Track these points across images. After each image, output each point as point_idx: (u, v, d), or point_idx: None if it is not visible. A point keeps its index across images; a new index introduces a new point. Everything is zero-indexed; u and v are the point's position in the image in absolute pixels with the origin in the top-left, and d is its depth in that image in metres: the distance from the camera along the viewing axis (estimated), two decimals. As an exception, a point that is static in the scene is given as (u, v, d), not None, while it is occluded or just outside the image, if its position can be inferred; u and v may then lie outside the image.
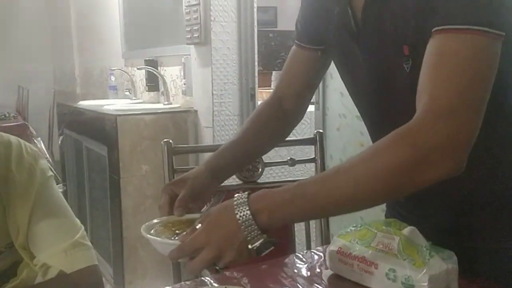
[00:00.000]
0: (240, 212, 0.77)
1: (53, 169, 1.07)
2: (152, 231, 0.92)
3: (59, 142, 3.64)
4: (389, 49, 0.89)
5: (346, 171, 0.78)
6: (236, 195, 0.80)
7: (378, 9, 0.88)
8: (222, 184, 1.38)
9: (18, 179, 0.97)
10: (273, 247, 0.81)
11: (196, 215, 0.94)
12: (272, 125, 1.14)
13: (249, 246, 0.78)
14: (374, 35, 0.91)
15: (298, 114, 1.17)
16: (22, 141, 1.02)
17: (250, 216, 0.76)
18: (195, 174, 1.06)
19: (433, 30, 0.77)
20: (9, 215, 0.97)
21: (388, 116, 0.97)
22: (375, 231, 1.05)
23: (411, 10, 0.82)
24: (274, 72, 7.76)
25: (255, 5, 2.65)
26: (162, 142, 1.24)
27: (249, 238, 0.77)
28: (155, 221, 0.96)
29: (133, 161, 2.64)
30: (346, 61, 1.02)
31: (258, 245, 0.78)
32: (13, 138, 0.96)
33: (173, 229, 0.93)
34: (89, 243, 1.05)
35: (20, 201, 0.97)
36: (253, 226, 0.77)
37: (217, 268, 0.80)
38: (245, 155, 1.14)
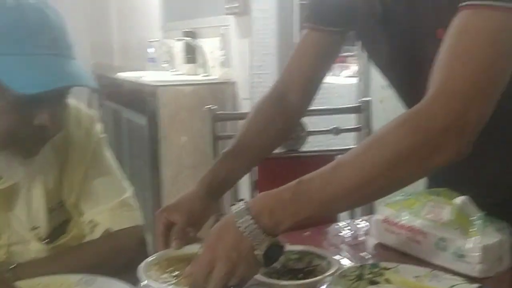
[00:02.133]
0: (240, 219, 0.72)
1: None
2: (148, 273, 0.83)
3: (99, 114, 3.70)
4: (421, 33, 0.84)
5: (351, 160, 0.73)
6: (232, 206, 0.75)
7: None
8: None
9: (76, 139, 1.01)
10: (283, 254, 0.77)
11: (196, 248, 0.83)
12: (274, 123, 1.06)
13: (257, 252, 0.72)
14: (404, 19, 0.85)
15: (302, 109, 1.09)
16: (79, 103, 1.05)
17: (252, 221, 0.72)
18: (190, 197, 1.00)
19: (458, 6, 0.71)
20: (66, 173, 1.00)
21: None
22: (425, 200, 1.02)
23: None
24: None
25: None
26: (204, 108, 1.23)
27: (255, 243, 0.72)
28: (150, 259, 0.88)
29: (172, 131, 2.66)
30: (373, 44, 0.97)
31: (266, 249, 0.72)
32: (71, 101, 0.97)
33: (170, 269, 0.85)
34: (136, 204, 1.07)
35: (77, 160, 1.01)
36: (256, 230, 0.72)
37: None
38: (243, 165, 1.06)
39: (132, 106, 3.00)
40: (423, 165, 0.71)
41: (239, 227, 0.72)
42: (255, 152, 1.06)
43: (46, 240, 0.98)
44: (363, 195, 0.75)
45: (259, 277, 0.82)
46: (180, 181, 2.70)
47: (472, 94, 0.68)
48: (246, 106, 2.68)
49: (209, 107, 1.23)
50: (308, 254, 0.93)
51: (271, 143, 1.09)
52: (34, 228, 0.98)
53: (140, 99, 2.81)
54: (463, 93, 0.68)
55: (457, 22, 0.71)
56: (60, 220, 1.02)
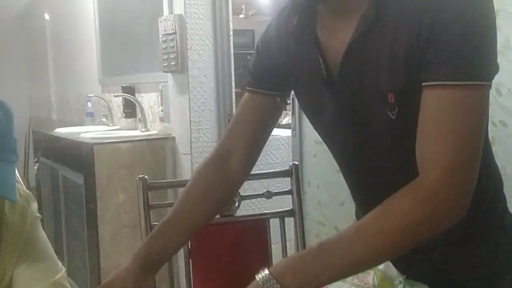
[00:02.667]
0: (266, 284, 0.77)
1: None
2: None
3: (35, 170, 3.59)
4: (370, 97, 0.88)
5: (367, 228, 0.80)
6: (256, 275, 0.80)
7: (359, 59, 0.86)
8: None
9: (10, 220, 0.98)
10: None
11: None
12: (215, 189, 1.04)
13: None
14: (353, 84, 0.89)
15: (244, 175, 1.08)
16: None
17: (277, 285, 0.76)
18: (123, 275, 0.96)
19: (426, 84, 0.79)
20: (1, 256, 0.97)
21: (369, 166, 0.97)
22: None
23: (400, 60, 0.81)
24: (252, 94, 7.85)
25: (231, 32, 2.68)
26: (137, 178, 1.24)
27: None
28: None
29: (110, 189, 2.62)
30: (317, 108, 0.99)
31: None
32: None
33: None
34: (68, 285, 1.05)
35: (12, 243, 0.98)
36: None
37: None
38: (182, 236, 1.04)
39: (69, 163, 2.94)
40: (431, 230, 0.80)
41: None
42: (195, 220, 1.04)
43: None
44: (381, 258, 0.84)
45: None
46: (119, 240, 2.64)
47: (467, 162, 0.78)
48: (186, 161, 2.69)
49: (142, 177, 1.24)
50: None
51: (212, 210, 1.07)
52: None
53: (77, 156, 2.76)
54: (459, 164, 0.78)
55: (434, 99, 0.79)
56: None
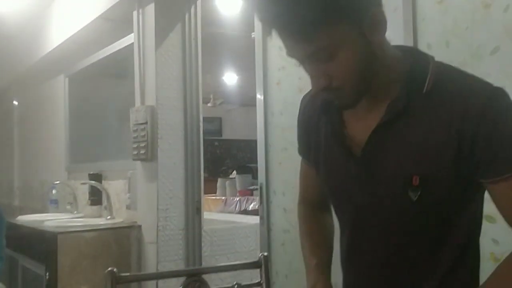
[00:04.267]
0: None
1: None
2: None
3: None
4: (392, 179, 0.94)
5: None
6: None
7: (384, 142, 0.94)
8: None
9: None
10: None
11: None
12: (322, 219, 1.22)
13: None
14: (375, 165, 0.96)
15: (328, 205, 1.22)
16: None
17: None
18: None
19: (491, 180, 0.89)
20: None
21: (380, 242, 1.01)
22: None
23: (433, 149, 0.89)
24: (219, 179, 7.86)
25: (201, 121, 2.77)
26: (105, 272, 1.22)
27: None
28: None
29: (72, 281, 2.52)
30: (336, 180, 1.06)
31: None
32: None
33: None
34: None
35: None
36: None
37: None
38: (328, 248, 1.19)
39: (30, 253, 2.84)
40: None
41: None
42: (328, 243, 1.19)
43: None
44: None
45: None
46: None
47: None
48: (151, 250, 2.64)
49: (111, 270, 1.22)
50: None
51: (331, 234, 1.21)
52: None
53: (39, 246, 2.67)
54: None
55: (504, 192, 0.89)
56: None
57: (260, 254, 1.37)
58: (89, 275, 2.54)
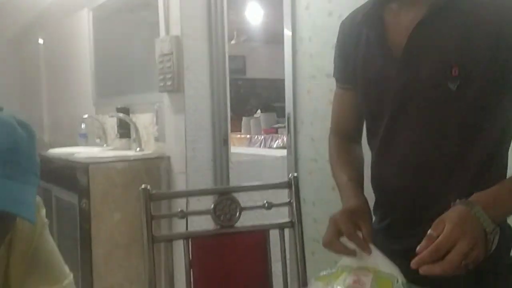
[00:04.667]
0: (472, 209, 0.87)
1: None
2: None
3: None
4: (433, 70, 0.99)
5: None
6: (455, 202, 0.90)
7: (425, 38, 0.99)
8: (198, 229, 1.39)
9: (20, 228, 0.98)
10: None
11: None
12: (353, 149, 1.24)
13: (489, 237, 0.86)
14: (417, 59, 1.00)
15: (359, 137, 1.26)
16: None
17: (483, 211, 0.87)
18: (361, 203, 1.08)
19: None
20: (11, 266, 0.98)
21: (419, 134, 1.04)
22: (350, 270, 1.07)
23: (473, 42, 0.94)
24: (244, 118, 7.88)
25: (226, 55, 2.73)
26: (140, 189, 1.25)
27: (488, 229, 0.86)
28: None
29: (104, 209, 2.61)
30: (375, 85, 1.09)
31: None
32: None
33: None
34: None
35: (21, 251, 0.98)
36: (488, 219, 0.86)
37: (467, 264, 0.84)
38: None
39: (63, 183, 2.92)
40: None
41: (475, 214, 0.86)
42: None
43: None
44: None
45: None
46: (113, 260, 2.62)
47: None
48: (181, 180, 2.69)
49: (145, 187, 1.25)
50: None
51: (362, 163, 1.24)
52: None
53: (71, 176, 2.75)
54: None
55: None
56: None
57: (290, 175, 1.38)
58: (121, 204, 2.61)
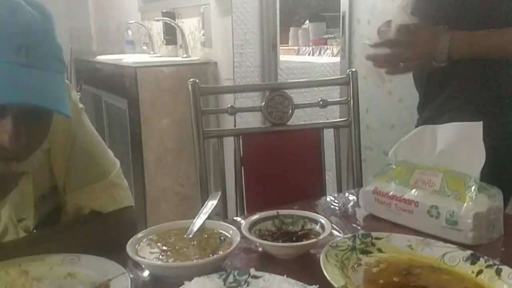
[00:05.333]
0: None
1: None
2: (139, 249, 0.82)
3: (78, 98, 3.61)
4: None
5: None
6: None
7: None
8: (249, 127, 1.33)
9: (55, 119, 0.88)
10: None
11: (187, 224, 0.88)
12: None
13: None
14: None
15: None
16: None
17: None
18: None
19: None
20: (52, 157, 0.93)
21: None
22: (413, 168, 1.00)
23: None
24: (291, 29, 7.59)
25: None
26: (189, 82, 1.19)
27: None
28: (140, 235, 0.85)
29: (153, 114, 2.61)
30: None
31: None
32: None
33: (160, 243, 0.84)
34: (124, 182, 1.00)
35: (60, 142, 0.92)
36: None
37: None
38: None
39: (112, 89, 2.93)
40: None
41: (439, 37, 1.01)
42: None
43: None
44: None
45: (254, 238, 0.84)
46: (163, 166, 2.66)
47: None
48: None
49: (193, 80, 1.19)
50: (302, 218, 0.92)
51: None
52: (20, 220, 0.93)
53: (120, 81, 2.74)
54: None
55: None
56: (48, 209, 0.97)
57: (348, 71, 1.28)
58: (169, 109, 2.60)
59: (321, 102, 1.26)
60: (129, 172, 2.80)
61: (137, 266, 0.82)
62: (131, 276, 0.76)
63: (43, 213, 0.97)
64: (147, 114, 2.59)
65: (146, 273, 0.82)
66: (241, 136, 1.23)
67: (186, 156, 2.65)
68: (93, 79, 3.31)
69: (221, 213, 1.28)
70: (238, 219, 1.04)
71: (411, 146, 1.04)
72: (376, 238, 0.87)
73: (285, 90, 1.23)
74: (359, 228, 1.00)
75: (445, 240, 0.86)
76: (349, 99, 1.27)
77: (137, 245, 0.84)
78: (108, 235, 0.91)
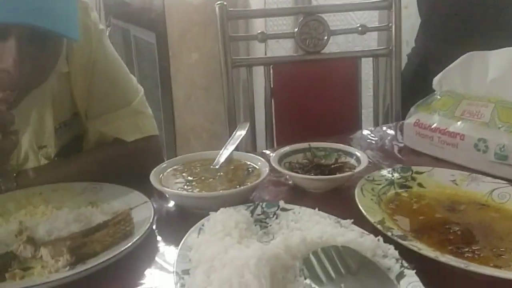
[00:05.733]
0: None
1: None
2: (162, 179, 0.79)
3: (107, 33, 3.56)
4: None
5: None
6: None
7: None
8: (279, 55, 1.25)
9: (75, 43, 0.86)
10: None
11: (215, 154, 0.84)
12: None
13: None
14: None
15: None
16: None
17: None
18: None
19: None
20: (73, 82, 0.88)
21: None
22: (459, 99, 0.92)
23: None
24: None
25: None
26: (216, 5, 1.11)
27: None
28: (164, 164, 0.82)
29: (182, 48, 2.53)
30: None
31: None
32: None
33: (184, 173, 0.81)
34: (148, 111, 0.96)
35: (79, 65, 0.88)
36: None
37: None
38: None
39: (140, 23, 2.85)
40: None
41: None
42: None
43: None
44: None
45: (284, 171, 0.79)
46: (192, 102, 2.61)
47: None
48: (259, 20, 2.51)
49: (221, 3, 1.10)
50: (336, 151, 0.86)
51: None
52: (41, 147, 0.90)
53: (148, 15, 2.66)
54: None
55: None
56: (70, 137, 0.94)
57: (390, -7, 1.17)
58: (199, 43, 2.52)
59: (359, 28, 1.15)
60: (159, 108, 2.77)
61: (162, 197, 0.78)
62: (155, 206, 0.72)
63: (64, 141, 0.93)
64: (176, 48, 2.51)
65: (170, 204, 0.78)
66: (271, 66, 1.15)
67: (215, 94, 2.58)
68: (121, 13, 3.22)
69: (249, 148, 1.23)
70: (267, 152, 0.99)
71: (458, 74, 0.95)
72: (417, 172, 0.80)
73: (320, 15, 1.13)
74: (398, 162, 0.93)
75: (494, 176, 0.78)
76: (390, 24, 1.16)
77: (161, 175, 0.80)
78: (131, 164, 0.88)
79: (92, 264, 0.57)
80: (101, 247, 0.61)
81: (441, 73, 0.98)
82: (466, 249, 0.60)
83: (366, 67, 1.23)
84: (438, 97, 0.95)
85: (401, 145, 1.00)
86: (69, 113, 0.92)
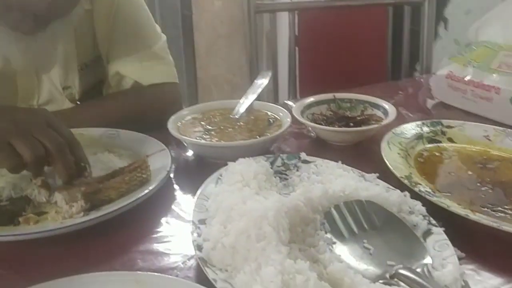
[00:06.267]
0: None
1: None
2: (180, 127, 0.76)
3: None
4: None
5: None
6: None
7: None
8: (306, 0, 1.19)
9: None
10: None
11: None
12: None
13: None
14: None
15: None
16: None
17: None
18: None
19: None
20: (96, 23, 0.87)
21: None
22: (497, 50, 0.86)
23: None
24: None
25: None
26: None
27: None
28: (184, 112, 0.80)
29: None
30: None
31: None
32: None
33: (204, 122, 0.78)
34: (169, 57, 0.94)
35: (100, 11, 0.86)
36: None
37: None
38: None
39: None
40: None
41: None
42: None
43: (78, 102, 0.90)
44: None
45: (306, 122, 0.76)
46: (215, 51, 2.56)
47: None
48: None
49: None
50: (362, 103, 0.82)
51: None
52: (66, 88, 0.88)
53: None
54: None
55: None
56: (92, 80, 0.93)
57: None
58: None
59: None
60: (181, 57, 2.73)
61: (180, 145, 0.76)
62: (173, 154, 0.70)
63: (87, 84, 0.92)
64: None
65: (188, 153, 0.76)
66: (297, 12, 1.09)
67: (238, 44, 2.52)
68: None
69: (271, 99, 1.19)
70: (290, 102, 0.95)
71: (496, 23, 0.88)
72: (448, 127, 0.76)
73: (351, -42, 1.07)
74: (427, 116, 0.89)
75: (531, 132, 0.74)
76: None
77: (179, 123, 0.77)
78: (148, 110, 0.86)
79: (107, 211, 0.56)
80: (117, 194, 0.60)
81: (477, 22, 0.91)
82: (498, 208, 0.57)
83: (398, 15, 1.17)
84: (474, 47, 0.90)
85: (431, 98, 0.95)
86: (91, 55, 0.91)
